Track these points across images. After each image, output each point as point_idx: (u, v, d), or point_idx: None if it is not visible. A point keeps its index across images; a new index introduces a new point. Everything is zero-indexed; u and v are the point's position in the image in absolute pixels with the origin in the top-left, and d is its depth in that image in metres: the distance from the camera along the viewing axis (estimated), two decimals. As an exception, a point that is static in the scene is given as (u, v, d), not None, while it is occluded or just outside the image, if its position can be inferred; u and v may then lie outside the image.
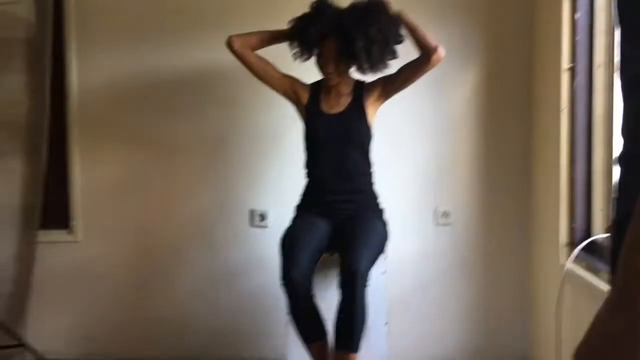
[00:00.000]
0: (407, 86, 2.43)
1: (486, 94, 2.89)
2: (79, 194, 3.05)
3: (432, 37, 2.33)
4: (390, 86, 2.43)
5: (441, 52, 2.30)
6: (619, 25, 0.86)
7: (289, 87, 2.48)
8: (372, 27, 2.26)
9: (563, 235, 2.43)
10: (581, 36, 2.32)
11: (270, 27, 2.44)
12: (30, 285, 2.91)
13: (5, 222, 2.92)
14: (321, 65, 2.39)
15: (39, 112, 2.96)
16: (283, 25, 2.42)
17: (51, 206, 3.05)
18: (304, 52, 2.40)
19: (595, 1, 2.28)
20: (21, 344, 2.77)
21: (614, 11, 2.13)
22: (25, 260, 2.92)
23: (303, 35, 2.34)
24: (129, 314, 3.06)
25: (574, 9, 2.34)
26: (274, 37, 2.45)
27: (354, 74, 2.47)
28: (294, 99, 2.50)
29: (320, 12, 2.33)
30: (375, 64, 2.33)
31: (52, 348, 2.97)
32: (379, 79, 2.45)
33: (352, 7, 2.34)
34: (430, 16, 2.73)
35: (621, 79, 0.86)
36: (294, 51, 2.43)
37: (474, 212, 2.93)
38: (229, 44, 2.41)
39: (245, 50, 2.41)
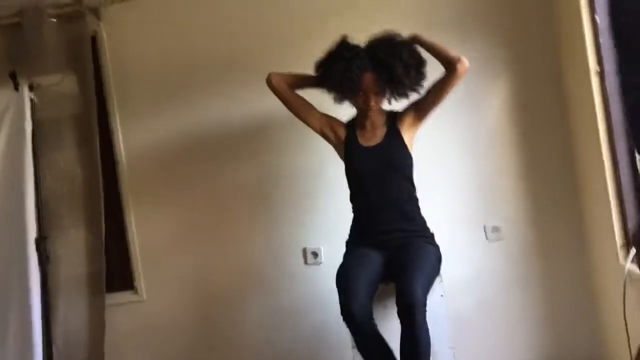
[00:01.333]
0: (438, 105, 2.48)
1: (520, 104, 2.90)
2: (138, 255, 3.18)
3: (452, 50, 2.41)
4: (421, 109, 2.49)
5: (465, 61, 2.38)
6: (615, 50, 0.88)
7: (327, 125, 2.56)
8: (403, 52, 2.37)
9: (619, 237, 2.40)
10: (604, 38, 2.32)
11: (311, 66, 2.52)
12: (102, 348, 3.02)
13: (74, 290, 3.06)
14: (362, 101, 2.45)
15: (92, 182, 3.11)
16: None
17: (114, 270, 3.18)
18: (349, 92, 2.46)
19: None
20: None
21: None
22: (96, 324, 3.04)
23: (345, 76, 2.40)
24: (199, 364, 3.14)
25: (592, 10, 2.35)
26: (313, 82, 2.54)
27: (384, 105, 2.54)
28: (332, 137, 2.57)
29: (350, 50, 2.42)
30: (415, 86, 2.42)
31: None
32: (410, 105, 2.52)
33: (374, 41, 2.43)
34: (454, 34, 2.78)
35: (622, 106, 0.88)
36: (335, 95, 2.51)
37: (525, 223, 2.91)
38: (268, 81, 2.53)
39: (283, 86, 2.52)
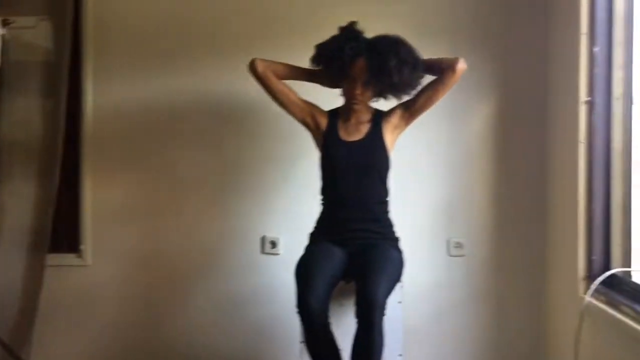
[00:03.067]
0: (428, 108, 2.44)
1: (501, 126, 2.90)
2: (89, 218, 3.03)
3: (447, 57, 2.39)
4: (410, 111, 2.44)
5: (463, 62, 2.36)
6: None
7: (308, 114, 2.49)
8: (402, 49, 2.33)
9: (581, 268, 2.41)
10: (600, 69, 2.33)
11: (298, 54, 2.44)
12: (37, 308, 2.87)
13: (15, 244, 2.91)
14: (348, 88, 2.40)
15: (52, 136, 2.97)
16: (308, 52, 2.43)
17: (61, 229, 3.03)
18: (337, 74, 2.39)
19: (614, 35, 2.30)
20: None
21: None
22: (34, 282, 2.89)
23: (336, 55, 2.34)
24: (137, 341, 3.01)
25: (592, 43, 2.36)
26: (300, 73, 2.47)
27: (374, 103, 2.49)
28: (312, 126, 2.50)
29: (351, 33, 2.38)
30: (405, 85, 2.36)
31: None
32: (398, 105, 2.47)
33: (379, 36, 2.39)
34: (443, 51, 2.74)
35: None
36: (326, 78, 2.45)
37: (488, 243, 2.91)
38: (253, 66, 2.43)
39: (269, 74, 2.43)
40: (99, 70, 3.03)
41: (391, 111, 2.48)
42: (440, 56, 2.43)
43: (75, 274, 3.02)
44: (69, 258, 3.03)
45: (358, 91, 2.36)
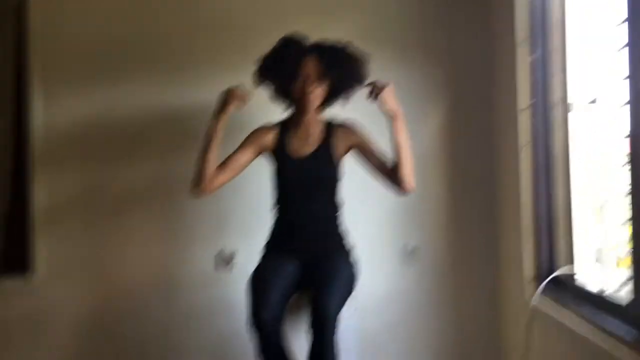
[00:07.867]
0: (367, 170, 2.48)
1: (450, 132, 2.94)
2: (38, 240, 2.96)
3: (409, 171, 2.35)
4: (358, 153, 2.45)
5: (411, 191, 2.37)
6: None
7: (259, 149, 2.44)
8: (345, 44, 2.39)
9: (529, 270, 2.46)
10: (538, 76, 2.40)
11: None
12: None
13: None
14: (300, 89, 2.35)
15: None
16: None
17: (9, 252, 2.95)
18: (287, 77, 2.36)
19: (551, 42, 2.36)
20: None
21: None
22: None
23: (283, 56, 2.33)
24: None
25: (531, 50, 2.42)
26: (218, 125, 2.36)
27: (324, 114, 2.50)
28: (264, 152, 2.47)
29: (293, 38, 2.38)
30: (354, 79, 2.39)
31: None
32: (355, 137, 2.44)
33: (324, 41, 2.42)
34: (392, 58, 2.79)
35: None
36: (272, 88, 2.43)
37: (441, 248, 2.94)
38: (202, 193, 2.34)
39: (216, 181, 2.35)
40: (46, 87, 2.96)
41: (346, 135, 2.44)
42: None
43: (25, 297, 2.94)
44: (18, 281, 2.95)
45: (312, 88, 2.33)
